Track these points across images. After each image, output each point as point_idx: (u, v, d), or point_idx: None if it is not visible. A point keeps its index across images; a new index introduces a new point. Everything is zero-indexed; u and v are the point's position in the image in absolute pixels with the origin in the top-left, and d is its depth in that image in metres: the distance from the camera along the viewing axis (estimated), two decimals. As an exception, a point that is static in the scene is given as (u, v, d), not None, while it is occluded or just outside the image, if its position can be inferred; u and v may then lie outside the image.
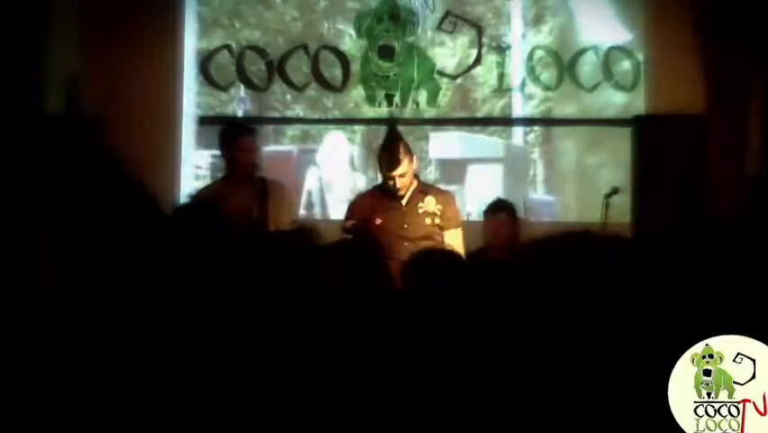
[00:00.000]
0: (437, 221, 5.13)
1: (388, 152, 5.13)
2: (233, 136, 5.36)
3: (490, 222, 5.67)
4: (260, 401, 2.56)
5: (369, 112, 6.80)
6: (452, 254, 2.97)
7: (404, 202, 5.14)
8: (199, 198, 5.30)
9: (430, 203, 5.16)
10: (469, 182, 6.78)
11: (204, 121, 6.74)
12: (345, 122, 6.86)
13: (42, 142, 5.83)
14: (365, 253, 3.47)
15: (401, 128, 5.44)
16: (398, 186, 5.09)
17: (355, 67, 6.78)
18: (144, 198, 5.54)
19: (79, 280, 3.28)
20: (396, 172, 5.06)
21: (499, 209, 5.73)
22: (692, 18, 6.33)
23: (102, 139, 6.08)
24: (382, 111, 6.75)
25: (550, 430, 2.23)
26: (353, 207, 5.30)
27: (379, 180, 5.30)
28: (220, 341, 2.75)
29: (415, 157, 5.19)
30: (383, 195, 5.21)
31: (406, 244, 4.88)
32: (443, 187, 5.75)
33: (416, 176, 5.21)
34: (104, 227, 3.73)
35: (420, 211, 5.13)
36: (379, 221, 5.09)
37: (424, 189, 5.21)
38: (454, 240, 5.11)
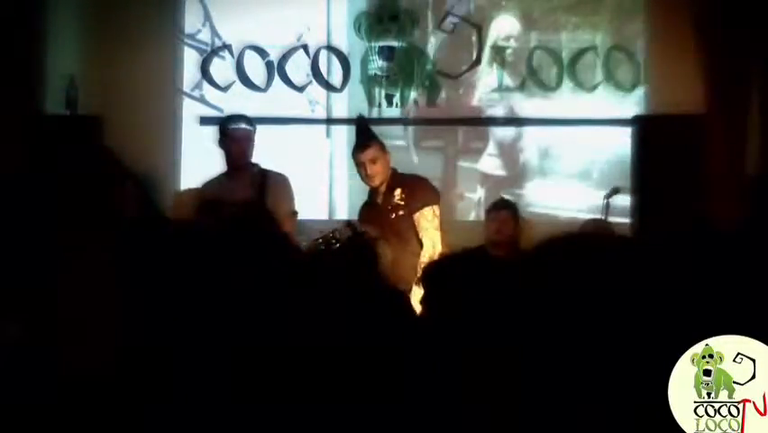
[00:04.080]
0: (401, 212, 5.09)
1: (356, 139, 5.24)
2: (224, 127, 5.39)
3: (492, 220, 5.67)
4: (259, 402, 2.56)
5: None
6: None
7: (380, 201, 5.17)
8: (199, 192, 5.32)
9: (395, 195, 5.14)
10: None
11: (204, 121, 6.74)
12: (346, 122, 6.85)
13: (42, 142, 5.84)
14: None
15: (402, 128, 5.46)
16: (369, 172, 5.09)
17: (355, 67, 6.79)
18: (145, 197, 5.55)
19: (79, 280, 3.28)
20: (364, 156, 5.07)
21: (501, 208, 5.74)
22: (692, 18, 6.33)
23: (102, 139, 6.10)
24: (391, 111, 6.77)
25: (551, 430, 2.22)
26: (359, 215, 5.31)
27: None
28: (214, 339, 2.75)
29: (388, 154, 5.20)
30: (369, 198, 5.26)
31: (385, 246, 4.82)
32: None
33: (393, 171, 5.20)
34: (104, 226, 3.73)
35: (389, 207, 5.12)
36: (366, 227, 5.07)
37: (394, 184, 5.17)
38: (424, 221, 5.06)
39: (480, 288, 2.72)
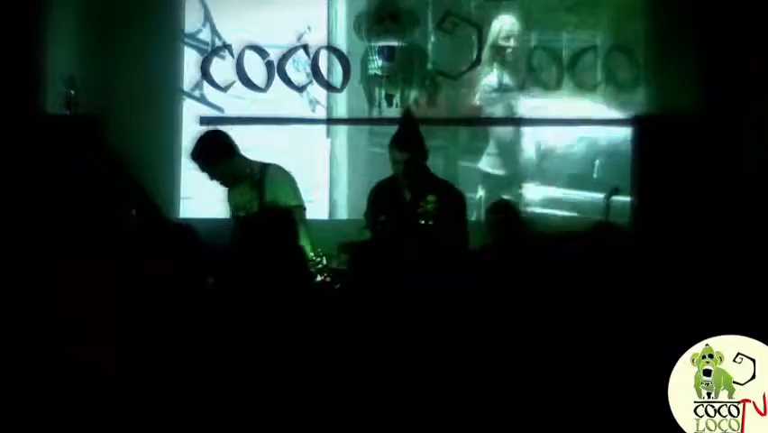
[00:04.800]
0: (431, 222, 5.05)
1: (399, 135, 5.15)
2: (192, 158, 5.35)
3: (493, 221, 5.66)
4: (264, 401, 2.56)
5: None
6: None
7: (407, 197, 5.12)
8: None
9: (429, 201, 5.09)
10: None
11: (204, 121, 6.74)
12: (346, 122, 6.85)
13: (42, 142, 5.84)
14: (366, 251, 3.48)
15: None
16: (404, 172, 5.05)
17: (355, 67, 6.79)
18: (144, 198, 5.56)
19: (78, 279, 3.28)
20: (403, 156, 5.04)
21: (502, 208, 5.73)
22: (692, 18, 6.33)
23: (102, 139, 6.10)
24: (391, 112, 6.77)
25: (550, 430, 2.23)
26: (370, 200, 5.28)
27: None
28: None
29: (427, 152, 5.17)
30: (391, 188, 5.19)
31: (406, 242, 4.80)
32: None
33: (426, 170, 5.17)
34: (104, 226, 3.73)
35: (419, 210, 5.08)
36: (382, 217, 5.05)
37: (426, 186, 5.12)
38: (452, 243, 5.01)
39: (483, 287, 2.73)
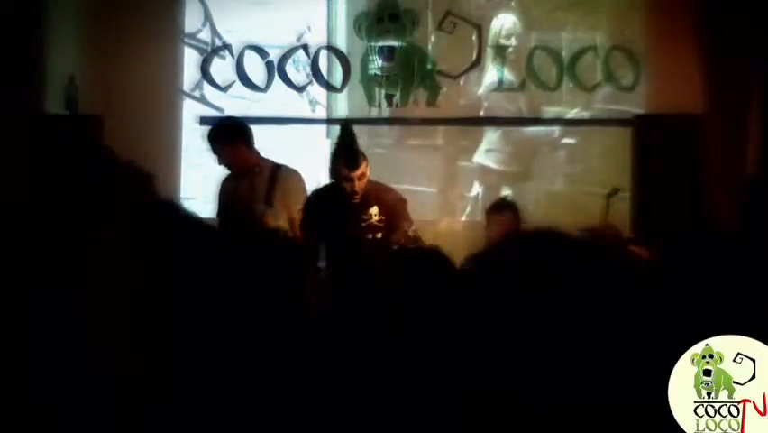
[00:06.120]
0: (379, 235, 5.01)
1: (346, 151, 5.07)
2: (208, 138, 5.41)
3: (493, 221, 5.67)
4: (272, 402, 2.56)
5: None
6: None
7: (353, 208, 5.05)
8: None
9: (373, 214, 5.04)
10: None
11: (204, 121, 6.75)
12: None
13: (42, 142, 5.84)
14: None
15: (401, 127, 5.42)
16: (356, 189, 4.99)
17: (355, 67, 6.79)
18: (143, 199, 5.55)
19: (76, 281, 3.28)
20: (356, 173, 4.99)
21: (502, 208, 5.73)
22: (692, 18, 6.34)
23: (102, 139, 6.10)
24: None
25: (550, 430, 2.23)
26: (308, 207, 5.24)
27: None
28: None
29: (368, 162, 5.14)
30: (336, 199, 5.11)
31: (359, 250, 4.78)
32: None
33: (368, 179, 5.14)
34: (104, 227, 3.73)
35: (363, 225, 5.03)
36: (333, 227, 5.01)
37: (369, 199, 5.07)
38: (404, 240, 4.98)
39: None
